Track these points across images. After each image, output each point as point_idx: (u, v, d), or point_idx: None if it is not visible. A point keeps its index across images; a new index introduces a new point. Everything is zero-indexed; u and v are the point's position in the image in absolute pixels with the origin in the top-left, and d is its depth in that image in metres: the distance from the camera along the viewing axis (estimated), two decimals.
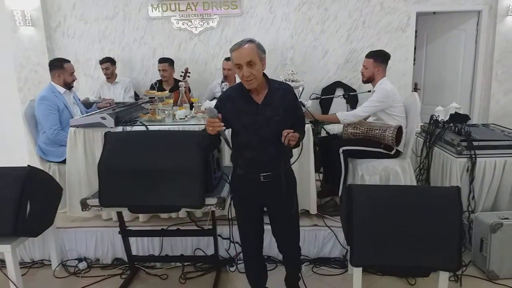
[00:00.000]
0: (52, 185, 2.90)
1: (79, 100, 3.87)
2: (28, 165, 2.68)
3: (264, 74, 2.11)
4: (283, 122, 2.07)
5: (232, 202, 2.32)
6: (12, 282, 2.59)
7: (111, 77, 5.04)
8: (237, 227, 2.37)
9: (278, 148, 2.07)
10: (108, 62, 4.96)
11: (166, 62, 4.88)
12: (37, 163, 3.39)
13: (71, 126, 3.12)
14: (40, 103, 3.37)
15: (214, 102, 3.65)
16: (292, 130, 2.00)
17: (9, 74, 5.23)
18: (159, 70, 4.89)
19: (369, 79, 3.30)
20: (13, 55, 5.19)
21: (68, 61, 3.60)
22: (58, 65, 3.51)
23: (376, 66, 3.22)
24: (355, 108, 3.96)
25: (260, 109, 2.05)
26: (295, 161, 2.31)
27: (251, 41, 2.00)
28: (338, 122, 3.28)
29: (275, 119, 2.07)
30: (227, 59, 4.83)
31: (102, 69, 4.97)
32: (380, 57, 3.24)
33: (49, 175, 2.99)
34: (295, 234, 2.37)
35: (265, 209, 2.32)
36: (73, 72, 3.59)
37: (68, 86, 3.57)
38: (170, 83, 4.91)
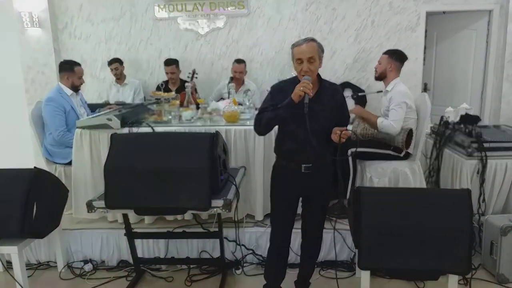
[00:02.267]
0: (58, 187, 2.91)
1: (86, 102, 3.86)
2: (35, 167, 2.68)
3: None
4: (329, 119, 2.23)
5: (270, 192, 2.45)
6: (19, 283, 2.59)
7: (120, 77, 5.05)
8: (270, 218, 2.52)
9: (321, 142, 2.19)
10: (116, 62, 4.98)
11: (174, 64, 4.87)
12: (43, 165, 3.40)
13: (77, 128, 3.13)
14: (46, 104, 3.38)
15: (221, 103, 3.68)
16: (345, 128, 2.14)
17: (16, 75, 5.27)
18: (166, 73, 4.88)
19: (381, 75, 3.21)
20: (20, 56, 5.23)
21: (79, 64, 3.60)
22: (68, 68, 3.52)
23: (389, 62, 3.15)
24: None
25: (309, 103, 2.10)
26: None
27: (313, 40, 2.18)
28: (375, 125, 3.14)
29: (321, 115, 2.20)
30: (238, 61, 4.78)
31: (112, 70, 4.98)
32: (395, 55, 3.18)
33: (55, 177, 3.00)
34: (322, 227, 2.50)
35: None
36: (82, 76, 3.59)
37: (76, 88, 3.58)
38: (177, 84, 4.91)
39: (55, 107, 3.36)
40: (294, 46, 2.18)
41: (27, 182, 2.55)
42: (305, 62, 2.13)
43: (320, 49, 2.18)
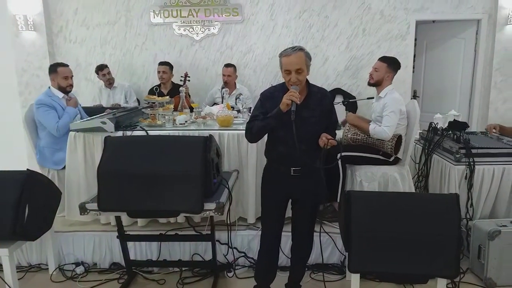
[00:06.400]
0: (51, 189, 2.90)
1: (80, 105, 3.85)
2: (28, 169, 2.68)
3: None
4: (318, 124, 2.27)
5: (261, 193, 2.51)
6: (9, 286, 2.58)
7: (111, 81, 5.06)
8: (261, 218, 2.56)
9: (310, 147, 2.24)
10: (107, 67, 5.00)
11: (167, 65, 4.93)
12: (36, 167, 3.39)
13: (71, 130, 3.14)
14: (38, 107, 3.36)
15: (215, 107, 3.72)
16: (332, 138, 2.22)
17: (10, 78, 5.26)
18: (158, 72, 4.93)
19: (377, 83, 3.24)
20: (15, 59, 5.23)
21: (64, 65, 3.52)
22: (52, 69, 3.49)
23: (388, 71, 3.19)
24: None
25: (298, 109, 2.15)
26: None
27: (301, 49, 2.18)
28: (367, 131, 3.18)
29: (311, 120, 2.25)
30: (227, 65, 4.87)
31: (104, 75, 4.98)
32: (393, 64, 3.22)
33: (48, 179, 3.00)
34: (312, 230, 2.52)
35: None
36: (67, 77, 3.49)
37: (64, 90, 3.50)
38: (168, 87, 4.95)
39: (46, 107, 3.35)
40: (282, 55, 2.20)
41: (20, 184, 2.54)
42: (293, 73, 2.16)
43: (308, 58, 2.21)
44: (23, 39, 5.19)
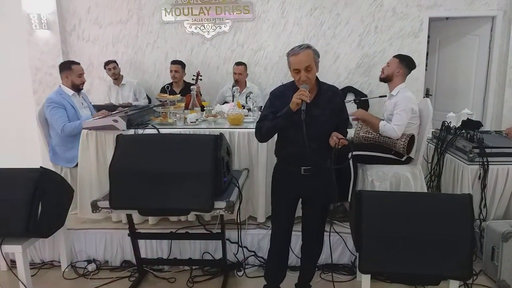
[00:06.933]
0: (64, 187, 2.93)
1: (91, 103, 3.90)
2: (41, 167, 2.71)
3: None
4: (328, 122, 2.26)
5: (271, 193, 2.49)
6: (22, 282, 2.61)
7: (118, 78, 5.10)
8: (271, 218, 2.57)
9: (320, 145, 2.23)
10: (114, 63, 5.04)
11: (179, 64, 4.96)
12: (50, 165, 3.43)
13: (83, 128, 3.16)
14: (47, 106, 3.41)
15: (225, 106, 3.72)
16: (343, 137, 2.20)
17: (24, 77, 5.33)
18: (171, 71, 4.95)
19: (387, 78, 3.20)
20: (29, 57, 5.30)
21: (77, 63, 3.60)
22: (66, 67, 3.54)
23: (398, 67, 3.15)
24: None
25: (308, 108, 2.14)
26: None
27: (308, 47, 2.17)
28: (377, 128, 3.14)
29: (321, 119, 2.23)
30: (238, 63, 4.87)
31: (110, 69, 5.03)
32: (405, 61, 3.18)
33: (61, 177, 3.02)
34: (322, 229, 2.50)
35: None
36: (81, 74, 3.57)
37: (77, 88, 3.57)
38: (180, 85, 4.97)
39: (55, 105, 3.39)
40: (289, 54, 2.18)
41: (33, 182, 2.57)
42: (302, 72, 2.14)
43: (316, 55, 2.19)
44: (37, 38, 5.25)
